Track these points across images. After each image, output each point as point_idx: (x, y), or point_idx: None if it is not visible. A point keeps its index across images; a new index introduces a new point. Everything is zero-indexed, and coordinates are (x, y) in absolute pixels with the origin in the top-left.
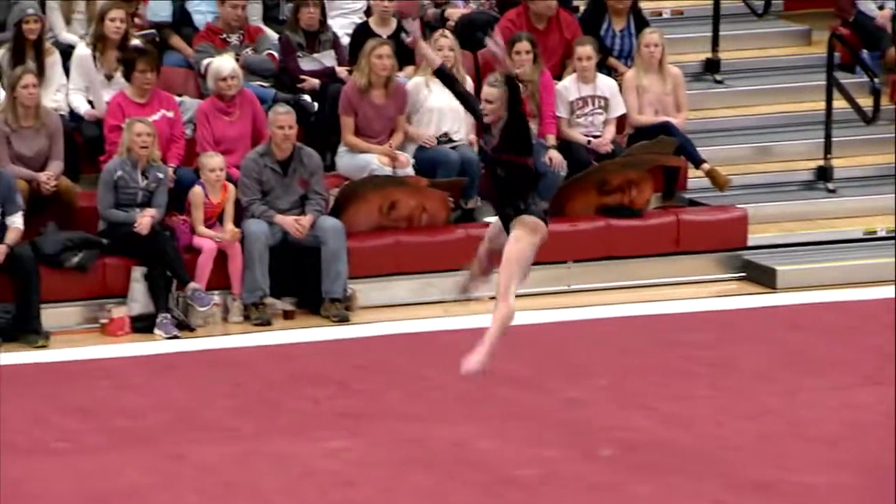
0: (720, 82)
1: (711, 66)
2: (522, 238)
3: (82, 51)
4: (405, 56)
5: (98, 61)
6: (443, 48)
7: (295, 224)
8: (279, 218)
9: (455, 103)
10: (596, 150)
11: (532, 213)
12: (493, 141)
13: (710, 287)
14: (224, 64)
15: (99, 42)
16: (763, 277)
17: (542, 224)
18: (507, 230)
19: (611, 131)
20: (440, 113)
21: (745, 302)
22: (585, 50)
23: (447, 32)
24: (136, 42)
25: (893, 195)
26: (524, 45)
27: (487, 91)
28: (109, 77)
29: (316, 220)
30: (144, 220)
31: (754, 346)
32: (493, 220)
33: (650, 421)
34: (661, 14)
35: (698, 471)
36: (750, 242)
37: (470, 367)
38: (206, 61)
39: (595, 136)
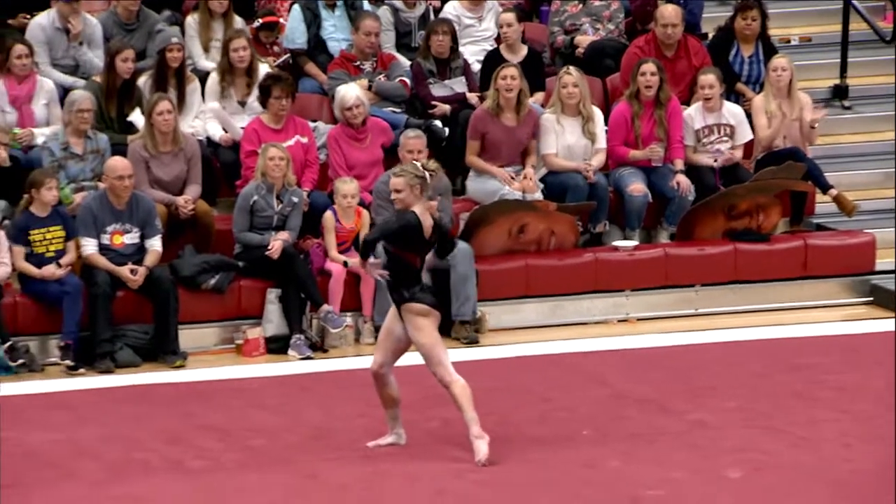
0: (848, 108)
1: (839, 92)
2: (420, 325)
3: (217, 78)
4: (534, 81)
5: (230, 89)
6: (567, 85)
7: None
8: None
9: (584, 141)
10: (723, 165)
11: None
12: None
13: (836, 311)
14: (349, 93)
15: (227, 72)
16: (890, 301)
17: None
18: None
19: (738, 156)
20: (570, 150)
21: (871, 326)
22: (708, 79)
23: (571, 69)
24: (269, 68)
25: None
26: (650, 67)
27: (394, 181)
28: (242, 104)
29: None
30: (276, 243)
31: (881, 370)
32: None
33: (778, 443)
34: (789, 41)
35: (826, 492)
36: (877, 267)
37: (483, 455)
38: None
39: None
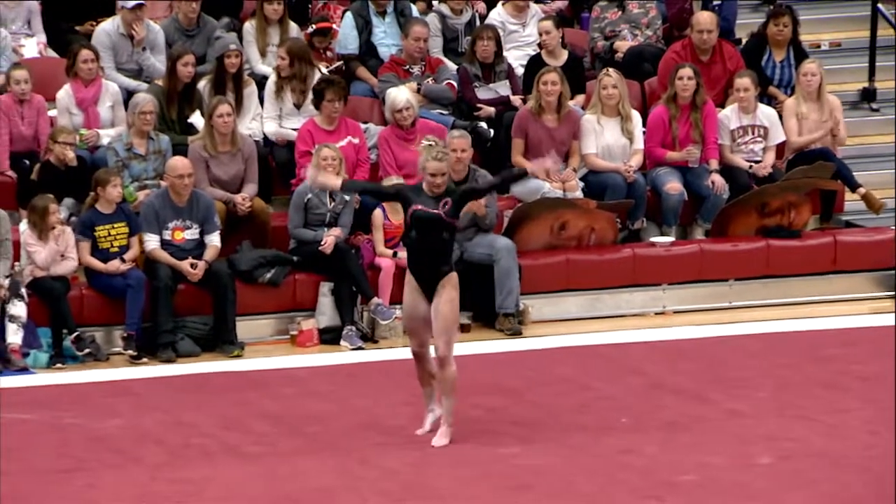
0: (876, 110)
1: (868, 95)
2: (455, 298)
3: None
4: (575, 84)
5: (286, 92)
6: (607, 86)
7: None
8: None
9: (623, 140)
10: (756, 175)
11: (453, 270)
12: (443, 207)
13: (864, 304)
14: (399, 95)
15: (283, 79)
16: None
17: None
18: (430, 291)
19: (770, 157)
20: (609, 149)
21: None
22: (743, 82)
23: (611, 71)
24: (322, 72)
25: None
26: (686, 72)
27: (436, 166)
28: (298, 106)
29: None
30: (329, 239)
31: None
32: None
33: (807, 431)
34: (819, 46)
35: (853, 479)
36: None
37: (442, 442)
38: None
39: (756, 162)
